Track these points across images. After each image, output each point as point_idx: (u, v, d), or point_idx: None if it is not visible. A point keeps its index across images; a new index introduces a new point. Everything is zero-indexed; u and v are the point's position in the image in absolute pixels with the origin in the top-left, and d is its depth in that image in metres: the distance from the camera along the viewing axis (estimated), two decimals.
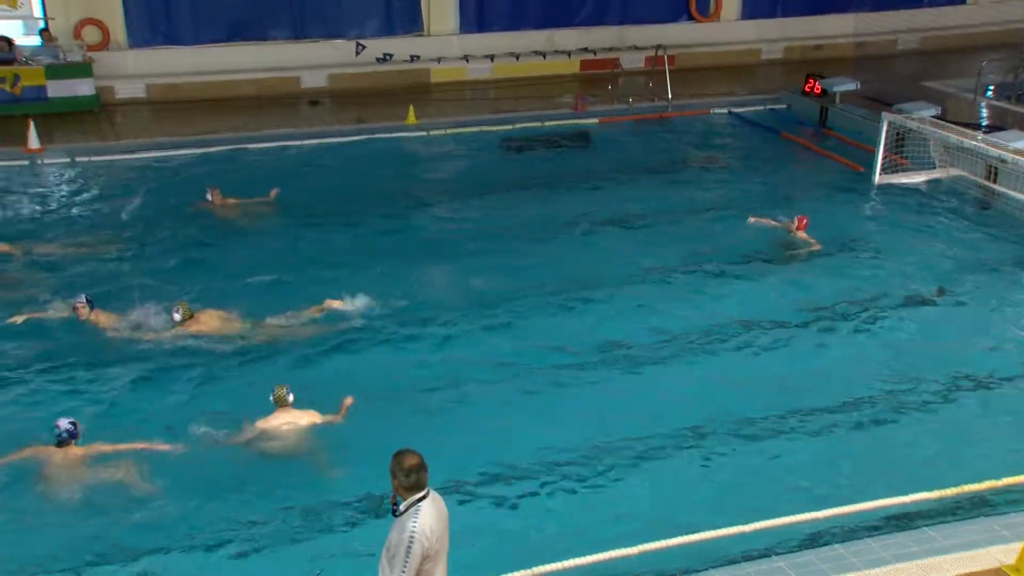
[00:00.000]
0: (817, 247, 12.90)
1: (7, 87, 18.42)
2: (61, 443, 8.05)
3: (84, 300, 10.52)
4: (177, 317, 10.33)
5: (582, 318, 11.25)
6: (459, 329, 10.92)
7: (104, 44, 20.19)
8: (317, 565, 6.92)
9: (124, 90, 20.04)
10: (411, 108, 18.76)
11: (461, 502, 7.79)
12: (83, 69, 19.08)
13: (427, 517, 5.42)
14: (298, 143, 17.48)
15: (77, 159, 16.55)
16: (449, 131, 18.51)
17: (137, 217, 14.16)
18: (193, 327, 10.37)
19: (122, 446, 8.27)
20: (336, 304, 11.01)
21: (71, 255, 12.71)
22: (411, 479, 5.41)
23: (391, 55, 21.83)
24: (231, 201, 14.35)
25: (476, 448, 8.61)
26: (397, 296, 11.45)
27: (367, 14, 22.07)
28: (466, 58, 22.27)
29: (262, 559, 7.34)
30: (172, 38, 20.83)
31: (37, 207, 14.60)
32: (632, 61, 23.01)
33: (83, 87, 19.07)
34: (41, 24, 19.85)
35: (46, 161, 16.44)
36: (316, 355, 10.26)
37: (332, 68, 21.45)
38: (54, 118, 18.19)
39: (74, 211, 14.52)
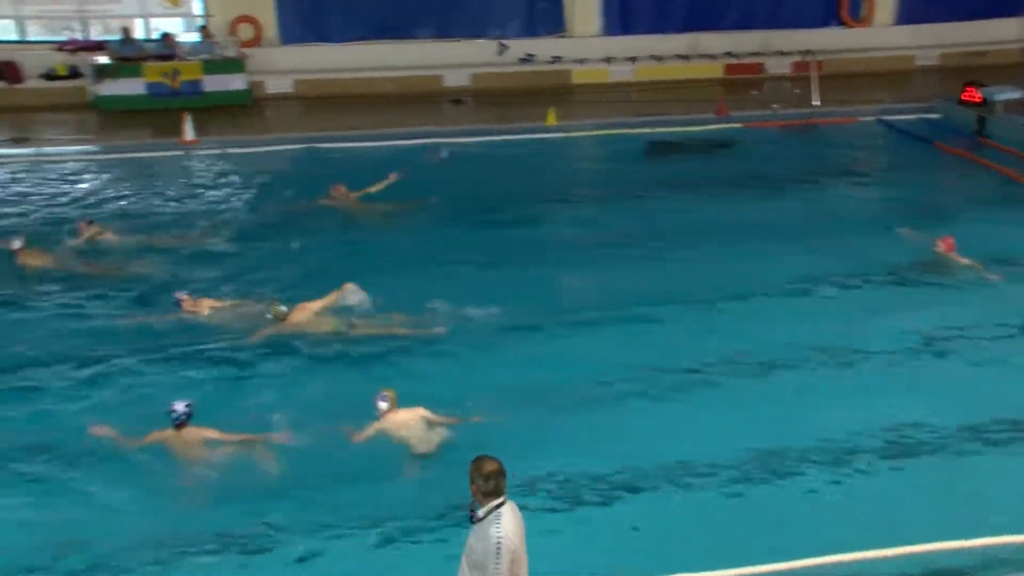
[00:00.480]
0: (974, 266, 12.22)
1: (167, 81, 19.21)
2: (179, 425, 8.29)
3: (186, 294, 10.72)
4: (269, 317, 10.40)
5: (719, 326, 10.95)
6: (590, 332, 10.77)
7: (257, 40, 20.85)
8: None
9: (274, 85, 20.66)
10: (552, 109, 18.74)
11: (600, 502, 7.71)
12: (237, 65, 19.75)
13: (509, 522, 5.41)
14: (439, 141, 17.65)
15: (228, 151, 17.11)
16: (589, 133, 18.42)
17: (273, 209, 14.40)
18: (291, 322, 10.41)
19: (233, 435, 8.45)
20: (349, 289, 10.88)
21: (210, 244, 13.08)
22: (490, 484, 5.42)
23: (533, 56, 21.87)
24: (355, 195, 14.37)
25: (610, 451, 8.46)
26: (527, 298, 11.33)
27: (510, 14, 22.20)
28: (608, 60, 22.13)
29: (372, 553, 7.35)
30: (321, 35, 21.38)
31: (186, 198, 15.06)
32: (778, 66, 22.47)
33: (236, 82, 19.75)
34: (200, 21, 20.66)
35: (199, 153, 17.06)
36: (435, 354, 10.18)
37: (475, 67, 21.64)
38: (208, 111, 18.85)
39: (219, 202, 14.91)
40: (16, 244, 12.06)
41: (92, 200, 14.71)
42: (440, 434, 8.54)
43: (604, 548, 7.30)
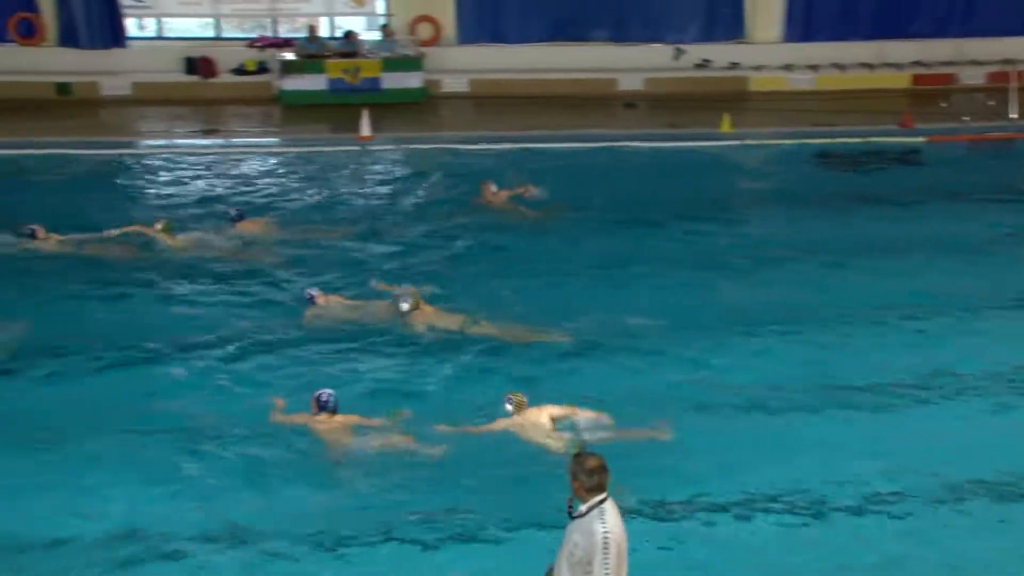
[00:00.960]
0: None
1: (348, 78, 19.82)
2: (327, 411, 8.48)
3: (318, 290, 10.87)
4: (405, 307, 10.48)
5: (890, 344, 10.41)
6: (751, 343, 10.41)
7: (435, 40, 21.25)
8: None
9: (449, 84, 20.99)
10: (726, 116, 18.33)
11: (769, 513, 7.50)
12: (415, 63, 20.19)
13: (612, 517, 5.35)
14: (609, 145, 17.52)
15: (402, 148, 17.49)
16: (764, 142, 17.91)
17: (434, 206, 14.55)
18: (418, 317, 10.52)
19: (375, 420, 8.58)
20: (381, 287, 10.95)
21: (366, 237, 13.36)
22: (593, 480, 5.35)
23: (710, 61, 21.45)
24: (504, 194, 14.31)
25: (776, 466, 8.20)
26: (687, 306, 11.11)
27: (689, 19, 21.84)
28: (788, 68, 21.50)
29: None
30: (498, 36, 21.58)
31: (357, 192, 15.43)
32: (972, 76, 21.27)
33: (413, 80, 20.18)
34: (382, 20, 21.23)
35: (374, 149, 17.50)
36: (579, 359, 10.04)
37: (649, 72, 21.40)
38: (385, 108, 19.27)
39: (384, 197, 15.23)
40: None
41: (270, 190, 15.28)
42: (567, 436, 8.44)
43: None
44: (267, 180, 15.91)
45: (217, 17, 21.34)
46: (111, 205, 14.32)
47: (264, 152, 17.39)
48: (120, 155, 16.79)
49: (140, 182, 15.71)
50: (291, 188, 15.49)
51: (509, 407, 8.55)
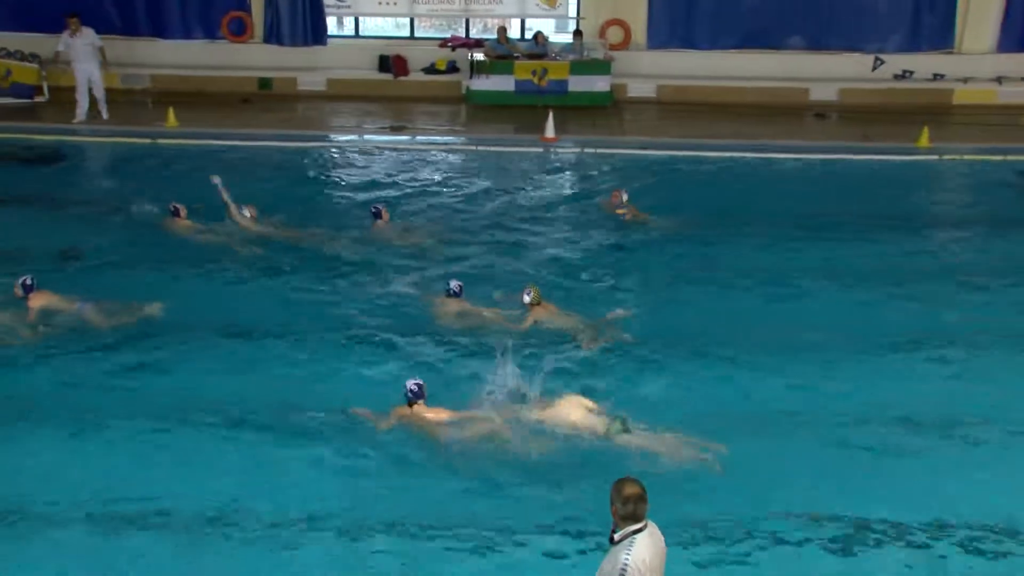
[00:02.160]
0: None
1: (535, 79, 19.95)
2: (411, 403, 8.59)
3: (458, 284, 10.83)
4: (527, 299, 10.51)
5: None
6: (898, 364, 9.93)
7: (625, 44, 21.12)
8: None
9: (636, 89, 20.82)
10: (925, 129, 17.40)
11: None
12: (603, 66, 20.12)
13: (642, 549, 5.26)
14: (795, 156, 16.96)
15: (586, 151, 17.45)
16: (964, 157, 16.89)
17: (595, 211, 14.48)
18: (540, 314, 10.53)
19: (463, 412, 8.60)
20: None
21: (548, 238, 13.42)
22: (628, 508, 5.32)
23: (911, 72, 20.44)
24: (624, 201, 14.02)
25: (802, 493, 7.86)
26: (853, 325, 10.65)
27: (892, 28, 20.88)
28: (999, 80, 20.22)
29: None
30: (688, 41, 21.24)
31: (532, 192, 15.40)
32: None
33: (600, 83, 20.12)
34: (573, 23, 21.27)
35: (558, 151, 17.53)
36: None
37: (844, 82, 20.61)
38: (570, 111, 19.33)
39: (568, 199, 15.22)
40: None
41: (452, 186, 15.54)
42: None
43: None
44: (449, 176, 16.18)
45: (412, 17, 21.90)
46: (297, 195, 14.90)
47: (449, 149, 17.70)
48: (312, 147, 17.44)
49: (328, 174, 16.26)
50: (471, 185, 15.68)
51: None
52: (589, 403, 8.66)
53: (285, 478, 8.05)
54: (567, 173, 16.69)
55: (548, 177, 16.34)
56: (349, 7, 21.35)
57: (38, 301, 10.43)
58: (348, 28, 22.30)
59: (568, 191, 15.26)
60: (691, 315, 11.05)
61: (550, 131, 17.85)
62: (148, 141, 17.41)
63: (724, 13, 21.05)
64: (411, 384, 8.64)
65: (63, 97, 19.36)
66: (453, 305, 10.76)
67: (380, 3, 21.40)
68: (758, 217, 14.00)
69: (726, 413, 8.88)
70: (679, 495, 7.53)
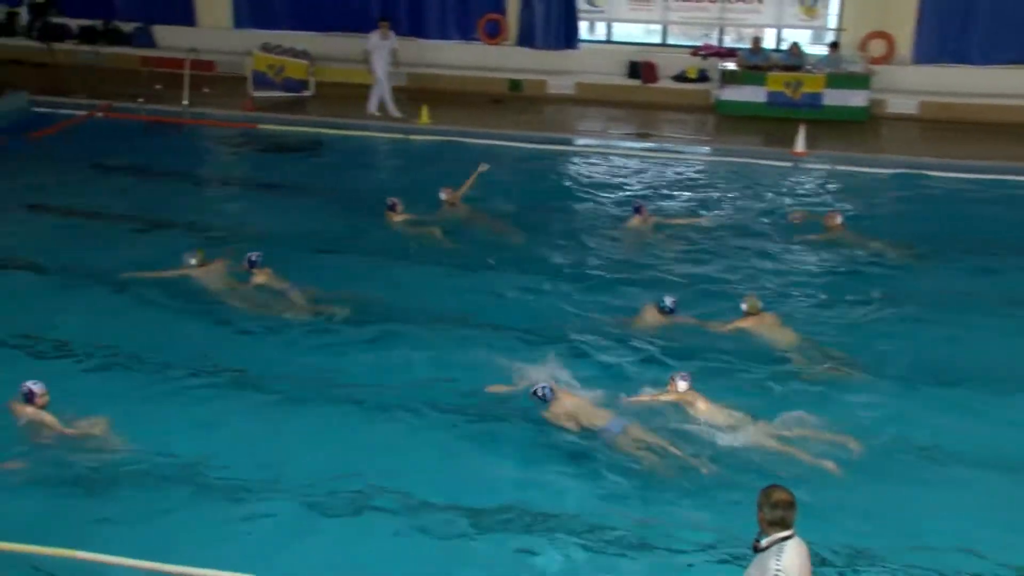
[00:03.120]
0: None
1: (788, 91, 19.28)
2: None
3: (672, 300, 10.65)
4: (744, 307, 10.43)
5: None
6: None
7: (887, 58, 20.04)
8: None
9: (896, 104, 19.71)
10: None
11: None
12: (861, 80, 19.20)
13: (792, 556, 5.21)
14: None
15: (836, 167, 16.69)
16: None
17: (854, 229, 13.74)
18: (753, 324, 10.37)
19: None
20: None
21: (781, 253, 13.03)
22: (776, 514, 5.26)
23: None
24: (839, 222, 13.36)
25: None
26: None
27: None
28: None
29: None
30: (960, 56, 19.84)
31: (783, 207, 14.85)
32: None
33: (857, 98, 19.20)
34: (832, 36, 20.40)
35: (807, 166, 16.86)
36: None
37: None
38: (823, 125, 18.57)
39: (812, 216, 14.59)
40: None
41: (692, 196, 15.25)
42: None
43: None
44: (691, 186, 15.88)
45: (665, 24, 21.68)
46: (539, 196, 15.15)
47: (693, 158, 17.38)
48: (558, 150, 17.59)
49: (572, 177, 16.34)
50: (714, 196, 15.35)
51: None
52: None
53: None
54: (813, 189, 16.00)
55: (792, 192, 15.73)
56: (603, 12, 21.37)
57: (259, 278, 11.39)
58: (599, 33, 22.35)
59: (811, 207, 14.62)
60: (929, 346, 10.47)
61: (800, 145, 17.20)
62: (401, 136, 18.11)
63: (1002, 26, 19.53)
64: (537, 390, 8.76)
65: (327, 92, 20.50)
66: (660, 318, 10.62)
67: (633, 9, 21.29)
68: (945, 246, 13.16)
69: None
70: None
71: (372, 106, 19.15)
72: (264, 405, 9.14)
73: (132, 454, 8.27)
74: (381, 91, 19.09)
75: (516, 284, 11.84)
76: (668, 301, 10.57)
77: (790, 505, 5.30)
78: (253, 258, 11.40)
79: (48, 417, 8.34)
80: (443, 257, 12.66)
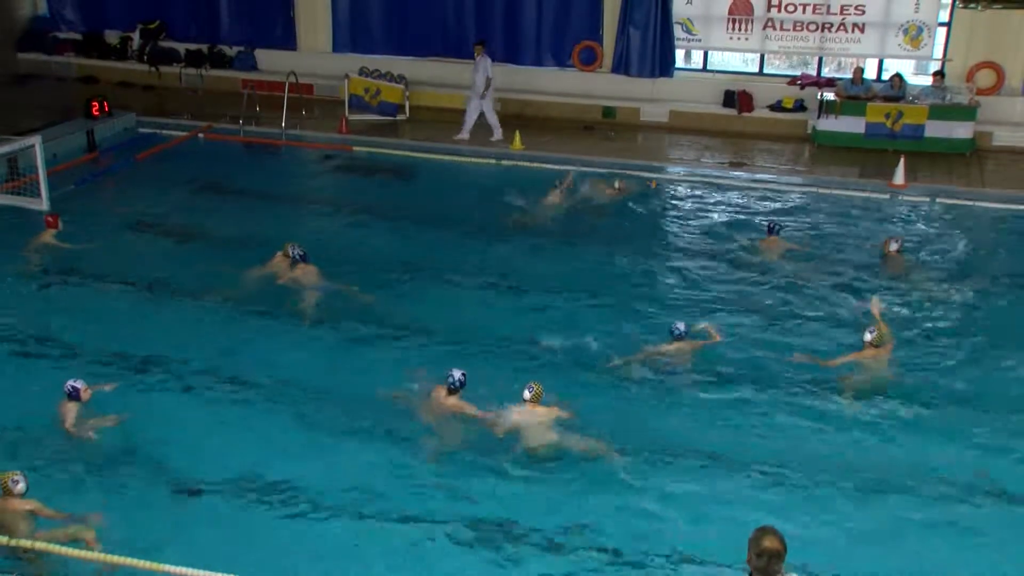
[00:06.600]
0: None
1: (888, 123, 18.79)
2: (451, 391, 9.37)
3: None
4: (868, 337, 10.43)
5: None
6: None
7: (996, 89, 19.40)
8: None
9: (1003, 137, 19.08)
10: None
11: None
12: (967, 112, 18.61)
13: None
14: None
15: (937, 200, 16.18)
16: None
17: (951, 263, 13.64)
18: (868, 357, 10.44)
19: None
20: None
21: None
22: (760, 562, 4.98)
23: None
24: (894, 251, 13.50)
25: None
26: None
27: None
28: None
29: None
30: None
31: (877, 240, 14.48)
32: None
33: (961, 130, 18.61)
34: (936, 66, 19.84)
35: (906, 198, 16.39)
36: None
37: None
38: (924, 157, 18.07)
39: (913, 251, 14.22)
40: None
41: (786, 227, 14.92)
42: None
43: None
44: (783, 215, 15.56)
45: (763, 53, 21.37)
46: (627, 225, 15.21)
47: (787, 188, 17.01)
48: (648, 177, 17.47)
49: (662, 205, 16.18)
50: (807, 229, 15.03)
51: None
52: None
53: None
54: (911, 222, 15.53)
55: (889, 225, 15.29)
56: (700, 40, 21.15)
57: (301, 272, 12.00)
58: (695, 61, 22.14)
59: (908, 240, 14.20)
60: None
61: (899, 177, 16.74)
62: (493, 162, 18.17)
63: None
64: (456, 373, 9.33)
65: (421, 115, 20.72)
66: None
67: (731, 38, 21.03)
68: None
69: None
70: None
71: (465, 131, 19.33)
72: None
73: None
74: (491, 115, 19.26)
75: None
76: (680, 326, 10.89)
77: (776, 556, 5.00)
78: (301, 253, 12.04)
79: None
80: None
